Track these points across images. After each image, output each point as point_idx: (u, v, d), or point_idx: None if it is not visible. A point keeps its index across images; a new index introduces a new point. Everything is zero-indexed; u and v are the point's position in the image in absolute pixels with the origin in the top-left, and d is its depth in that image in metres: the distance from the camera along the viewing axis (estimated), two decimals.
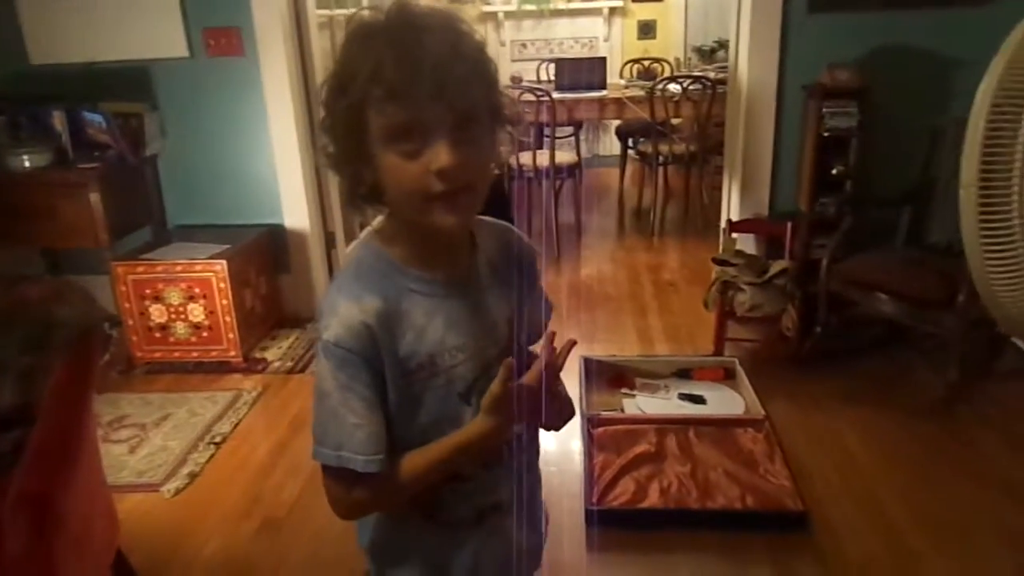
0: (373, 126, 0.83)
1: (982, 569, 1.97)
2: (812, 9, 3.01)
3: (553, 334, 0.95)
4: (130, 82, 3.28)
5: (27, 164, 3.00)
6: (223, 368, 3.11)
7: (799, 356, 2.98)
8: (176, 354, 3.12)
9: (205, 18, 3.19)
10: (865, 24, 3.02)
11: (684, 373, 2.90)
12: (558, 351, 0.94)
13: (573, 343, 0.97)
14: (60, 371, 1.63)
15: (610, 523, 2.12)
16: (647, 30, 6.61)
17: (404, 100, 0.80)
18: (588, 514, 2.13)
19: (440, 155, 0.81)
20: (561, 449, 2.52)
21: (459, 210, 0.85)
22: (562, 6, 6.54)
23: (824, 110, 2.92)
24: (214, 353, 3.11)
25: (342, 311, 0.89)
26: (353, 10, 3.91)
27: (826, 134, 2.95)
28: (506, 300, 0.98)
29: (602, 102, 4.78)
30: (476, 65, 0.84)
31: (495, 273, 0.98)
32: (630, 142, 5.54)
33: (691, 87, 4.43)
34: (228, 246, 3.13)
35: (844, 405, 2.69)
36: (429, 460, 0.92)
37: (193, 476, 2.43)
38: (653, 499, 2.16)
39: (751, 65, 3.11)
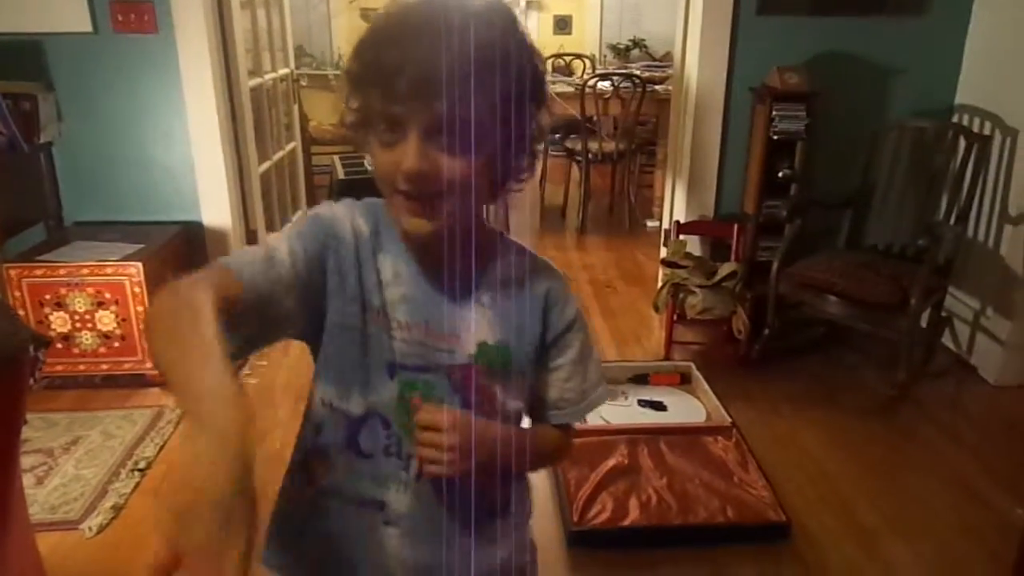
0: (368, 100, 0.79)
1: (957, 570, 2.01)
2: (760, 11, 3.01)
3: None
4: (20, 59, 2.87)
5: None
6: (138, 382, 2.78)
7: (749, 358, 2.98)
8: (82, 367, 2.77)
9: None
10: (811, 28, 3.05)
11: (641, 378, 2.83)
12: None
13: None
14: None
15: (593, 543, 2.02)
16: (563, 25, 6.56)
17: (384, 89, 0.75)
18: (570, 535, 2.02)
19: (407, 156, 0.76)
20: None
21: (424, 215, 0.80)
22: None
23: (774, 113, 2.92)
24: (127, 365, 2.78)
25: (338, 209, 0.90)
26: None
27: (775, 137, 2.96)
28: (496, 329, 0.89)
29: None
30: (485, 70, 0.74)
31: (505, 298, 0.89)
32: (551, 138, 5.47)
33: (622, 85, 4.39)
34: (141, 246, 2.81)
35: (799, 407, 2.71)
36: None
37: (117, 510, 2.14)
38: (634, 515, 2.08)
39: (700, 66, 3.08)
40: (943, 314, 3.04)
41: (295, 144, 4.05)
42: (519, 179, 0.86)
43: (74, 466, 2.33)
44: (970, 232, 2.99)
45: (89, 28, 2.87)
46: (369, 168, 2.28)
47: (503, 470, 0.89)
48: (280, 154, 3.75)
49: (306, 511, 0.93)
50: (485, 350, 0.88)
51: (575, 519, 2.05)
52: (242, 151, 3.27)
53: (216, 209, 3.14)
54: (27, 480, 2.24)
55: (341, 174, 2.50)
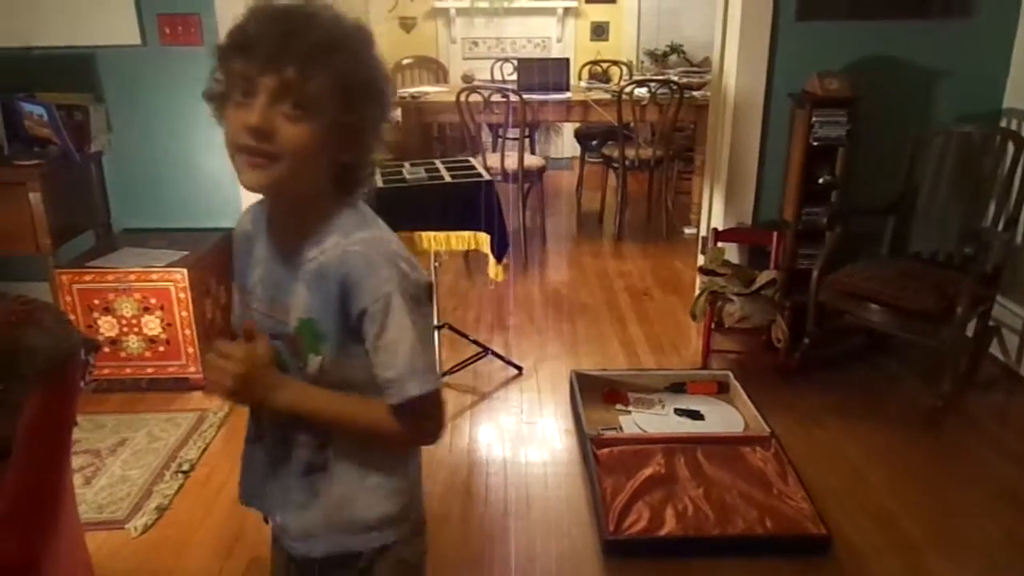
0: (231, 74, 0.90)
1: None
2: (800, 17, 2.97)
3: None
4: (73, 71, 2.98)
5: None
6: (182, 386, 2.85)
7: (788, 367, 2.94)
8: (128, 371, 2.84)
9: (160, 3, 2.92)
10: (851, 33, 3.00)
11: (678, 387, 2.81)
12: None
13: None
14: (32, 407, 1.40)
15: (629, 553, 2.01)
16: (600, 32, 6.55)
17: (244, 53, 0.88)
18: (606, 544, 2.02)
19: (252, 112, 0.88)
20: (566, 472, 2.40)
21: (256, 171, 0.90)
22: (516, 5, 6.41)
23: (814, 119, 2.89)
24: (171, 369, 2.84)
25: (240, 220, 1.13)
26: None
27: (815, 143, 2.92)
28: (312, 306, 0.99)
29: (568, 104, 4.68)
30: (326, 52, 0.88)
31: (318, 280, 0.98)
32: (589, 145, 5.47)
33: (659, 91, 4.37)
34: (186, 253, 2.88)
35: (841, 418, 2.66)
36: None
37: (162, 510, 2.19)
38: (671, 525, 2.06)
39: (739, 71, 3.05)
40: (991, 324, 2.96)
41: None
42: (357, 176, 1.00)
43: (121, 467, 2.39)
44: (1019, 239, 2.92)
45: (138, 41, 2.96)
46: (408, 176, 2.35)
47: (315, 424, 1.02)
48: None
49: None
50: (303, 323, 1.00)
51: (611, 528, 2.04)
52: None
53: None
54: (76, 480, 2.30)
55: (380, 183, 2.53)
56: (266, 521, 1.16)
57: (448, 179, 2.66)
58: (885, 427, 2.62)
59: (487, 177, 2.68)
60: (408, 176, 2.62)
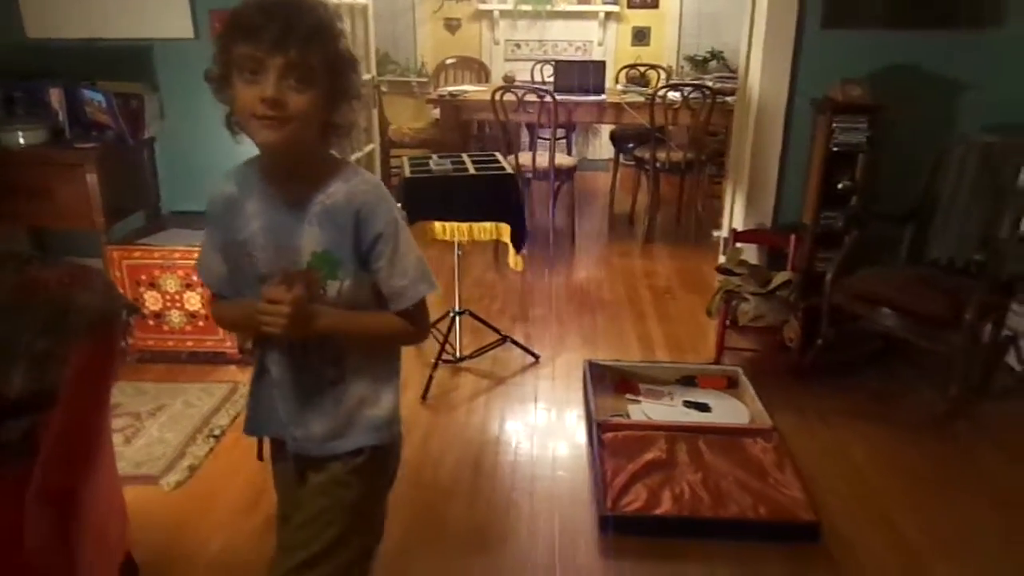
0: (234, 57, 1.10)
1: None
2: (826, 24, 3.04)
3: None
4: (130, 61, 3.19)
5: (21, 141, 2.90)
6: (218, 359, 3.03)
7: (800, 367, 3.00)
8: (170, 343, 3.04)
9: (212, 0, 3.11)
10: (875, 42, 3.06)
11: (688, 380, 2.90)
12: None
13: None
14: (79, 358, 1.57)
15: (624, 529, 2.11)
16: (641, 37, 6.63)
17: (252, 39, 1.08)
18: (602, 520, 2.12)
19: (267, 87, 1.08)
20: (572, 454, 2.51)
21: (275, 132, 1.11)
22: (558, 8, 6.52)
23: (834, 125, 2.95)
24: (209, 343, 3.03)
25: (211, 193, 1.30)
26: None
27: (835, 149, 2.98)
28: (325, 240, 1.20)
29: (601, 106, 4.78)
30: (319, 35, 1.11)
31: (327, 217, 1.20)
32: (623, 147, 5.55)
33: (691, 95, 4.44)
34: None
35: (848, 418, 2.72)
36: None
37: (193, 469, 2.37)
38: (666, 506, 2.16)
39: (763, 76, 3.12)
40: (1007, 332, 2.98)
41: (373, 146, 4.28)
42: (340, 132, 1.21)
43: (158, 429, 2.57)
44: None
45: (191, 35, 3.15)
46: (434, 168, 2.52)
47: (345, 340, 1.25)
48: (358, 155, 3.98)
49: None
50: (318, 257, 1.20)
51: (608, 505, 2.14)
52: None
53: None
54: (117, 439, 2.49)
55: (408, 172, 2.67)
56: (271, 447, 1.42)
57: (472, 171, 2.79)
58: (892, 429, 2.66)
59: (510, 171, 2.80)
60: (434, 167, 2.76)
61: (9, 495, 1.41)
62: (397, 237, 1.22)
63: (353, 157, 3.92)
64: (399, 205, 1.33)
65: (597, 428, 2.48)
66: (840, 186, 3.03)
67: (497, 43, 6.71)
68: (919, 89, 3.07)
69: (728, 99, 4.66)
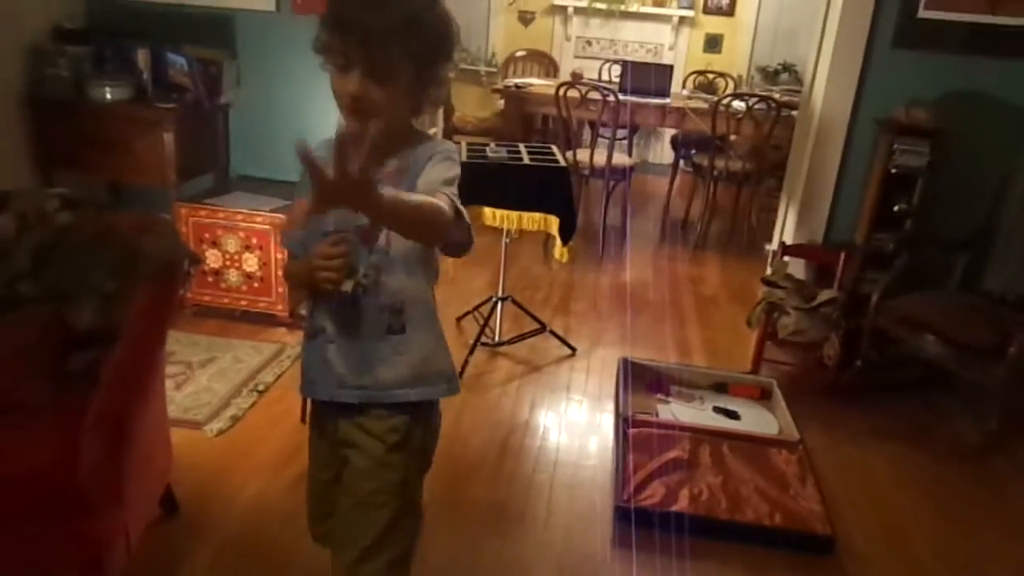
0: (327, 43, 1.17)
1: None
2: (896, 44, 3.01)
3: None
4: (213, 29, 3.34)
5: (108, 96, 3.07)
6: (268, 320, 3.17)
7: (836, 386, 2.99)
8: (225, 300, 3.19)
9: None
10: (946, 66, 3.01)
11: (721, 387, 2.92)
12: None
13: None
14: (142, 300, 1.69)
15: (638, 522, 2.16)
16: (714, 44, 6.60)
17: (339, 33, 1.14)
18: (619, 510, 2.17)
19: (351, 82, 1.15)
20: (597, 446, 2.56)
21: (360, 123, 1.17)
22: (633, 9, 6.53)
23: (895, 146, 2.92)
24: (262, 304, 3.17)
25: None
26: None
27: (894, 170, 2.95)
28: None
29: (664, 110, 4.79)
30: (405, 31, 1.14)
31: (399, 175, 1.23)
32: (684, 153, 5.55)
33: (756, 106, 4.42)
34: (289, 202, 3.19)
35: (878, 440, 2.71)
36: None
37: (236, 419, 2.50)
38: (683, 504, 2.20)
39: (827, 92, 3.11)
40: None
41: (436, 131, 4.39)
42: (426, 108, 1.29)
43: (207, 380, 2.72)
44: None
45: (273, 8, 3.29)
46: (490, 154, 2.59)
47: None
48: None
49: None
50: None
51: (626, 497, 2.20)
52: None
53: None
54: (168, 384, 2.63)
55: (464, 157, 2.75)
56: (311, 411, 1.43)
57: (527, 161, 2.85)
58: (921, 455, 2.64)
59: (563, 164, 2.85)
60: (490, 154, 2.84)
61: (71, 419, 1.54)
62: (447, 161, 1.25)
63: None
64: None
65: (624, 423, 2.53)
66: (896, 208, 3.00)
67: (568, 39, 6.75)
68: (985, 116, 3.02)
69: (793, 113, 4.62)
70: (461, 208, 1.24)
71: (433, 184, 1.22)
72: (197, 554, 1.93)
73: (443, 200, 1.19)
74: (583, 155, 4.48)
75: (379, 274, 1.26)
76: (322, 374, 1.33)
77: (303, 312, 1.30)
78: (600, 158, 4.46)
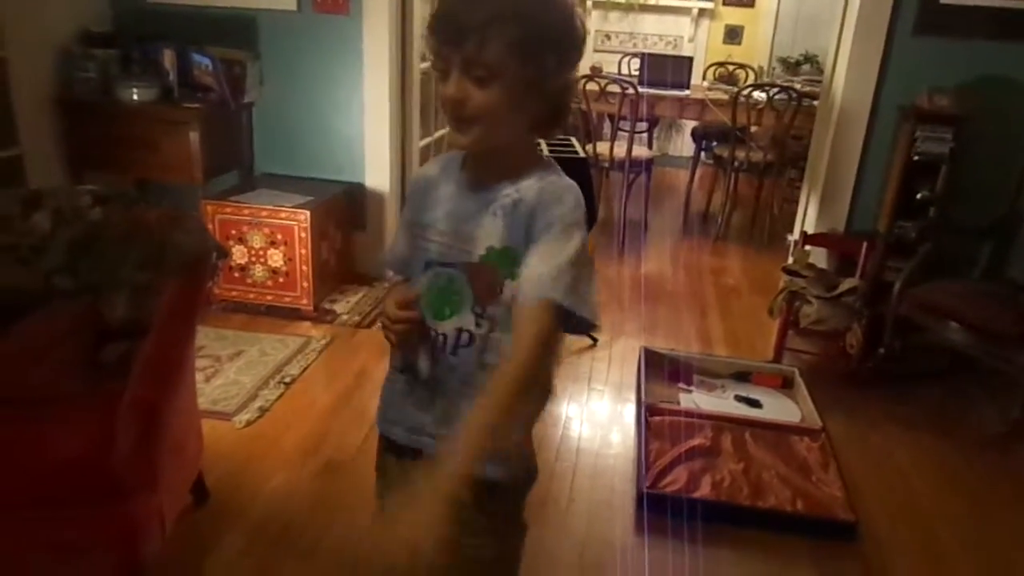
0: (430, 48, 1.05)
1: None
2: (917, 31, 2.99)
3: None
4: (237, 29, 3.39)
5: (135, 97, 3.14)
6: (294, 315, 3.22)
7: (859, 375, 2.98)
8: (251, 295, 3.25)
9: None
10: (968, 51, 2.99)
11: (743, 376, 2.93)
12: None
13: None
14: (172, 292, 1.74)
15: (660, 509, 2.17)
16: (734, 35, 6.56)
17: (434, 33, 1.02)
18: (640, 497, 2.19)
19: (449, 85, 1.01)
20: (619, 435, 2.58)
21: (462, 135, 1.04)
22: (651, 2, 6.52)
23: (917, 133, 2.91)
24: (287, 299, 3.23)
25: (423, 169, 1.24)
26: None
27: (916, 158, 2.94)
28: (506, 235, 1.07)
29: (684, 101, 4.79)
30: (500, 22, 0.97)
31: (514, 211, 1.07)
32: (704, 144, 5.54)
33: (776, 96, 4.41)
34: (312, 198, 3.24)
35: (901, 427, 2.70)
36: None
37: (263, 411, 2.55)
38: (705, 491, 2.21)
39: (848, 80, 3.10)
40: None
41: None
42: (547, 124, 1.09)
43: (235, 372, 2.77)
44: None
45: (294, 7, 3.34)
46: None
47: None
48: (440, 132, 4.12)
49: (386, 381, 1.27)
50: (492, 252, 1.09)
51: (648, 483, 2.21)
52: (407, 126, 3.65)
53: (378, 174, 3.54)
54: (198, 377, 2.68)
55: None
56: (394, 448, 1.25)
57: (546, 153, 2.86)
58: (944, 443, 2.63)
59: (582, 155, 2.87)
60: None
61: (106, 408, 1.59)
62: (569, 234, 1.03)
63: (436, 134, 4.07)
64: None
65: (645, 411, 2.55)
66: (919, 196, 2.99)
67: (587, 33, 6.74)
68: (1009, 101, 2.99)
69: (814, 103, 4.60)
70: (556, 336, 1.04)
71: (541, 283, 1.01)
72: (228, 540, 1.98)
73: (543, 318, 1.00)
74: (603, 148, 4.49)
75: (493, 327, 1.10)
76: (400, 416, 1.21)
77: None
78: (620, 151, 4.47)
